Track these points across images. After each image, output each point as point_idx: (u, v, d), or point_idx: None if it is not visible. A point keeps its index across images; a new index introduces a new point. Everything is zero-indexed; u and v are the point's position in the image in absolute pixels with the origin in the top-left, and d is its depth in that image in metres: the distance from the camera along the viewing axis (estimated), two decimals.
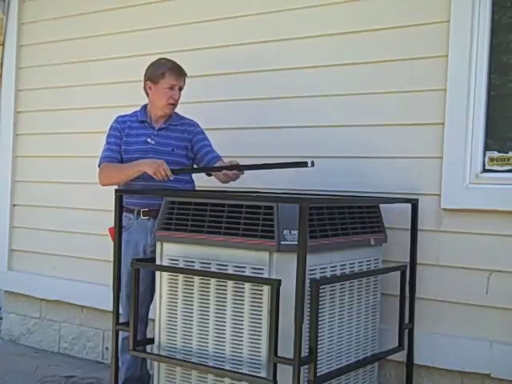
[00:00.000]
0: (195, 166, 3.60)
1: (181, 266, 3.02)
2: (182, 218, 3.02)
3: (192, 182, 3.63)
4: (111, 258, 3.20)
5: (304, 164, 2.95)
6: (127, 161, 3.50)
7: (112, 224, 3.31)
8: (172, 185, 3.42)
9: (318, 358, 2.76)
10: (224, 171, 3.33)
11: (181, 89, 3.54)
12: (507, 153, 3.25)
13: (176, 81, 3.50)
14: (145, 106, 3.64)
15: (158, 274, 3.11)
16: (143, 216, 3.46)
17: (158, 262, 3.11)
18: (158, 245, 3.11)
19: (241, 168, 3.33)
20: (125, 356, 3.47)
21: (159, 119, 3.58)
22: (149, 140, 3.53)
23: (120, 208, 3.19)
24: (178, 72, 3.52)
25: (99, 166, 3.55)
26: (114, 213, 3.21)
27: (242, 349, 2.84)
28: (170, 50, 4.21)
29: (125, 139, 3.54)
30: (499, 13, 3.28)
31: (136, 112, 3.64)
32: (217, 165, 3.45)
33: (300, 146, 3.76)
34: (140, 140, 3.53)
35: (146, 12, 4.40)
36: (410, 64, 3.44)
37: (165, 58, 3.57)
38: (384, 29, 3.51)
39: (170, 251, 3.06)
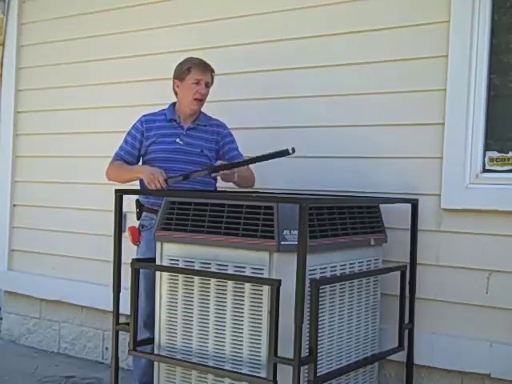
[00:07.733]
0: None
1: (181, 266, 3.01)
2: (182, 218, 3.02)
3: (214, 184, 3.59)
4: (111, 258, 3.20)
5: (286, 152, 3.01)
6: (149, 160, 3.49)
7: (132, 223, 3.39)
8: (191, 186, 3.42)
9: (318, 358, 2.76)
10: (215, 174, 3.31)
11: (207, 85, 3.50)
12: (507, 153, 3.25)
13: (202, 75, 3.46)
14: (173, 105, 3.59)
15: (158, 274, 3.11)
16: None
17: (158, 262, 3.11)
18: (158, 245, 3.11)
19: (227, 167, 3.26)
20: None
21: (187, 118, 3.54)
22: (178, 140, 3.49)
23: (120, 208, 3.18)
24: (204, 67, 3.48)
25: (111, 161, 3.58)
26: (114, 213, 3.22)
27: (241, 349, 2.84)
28: (170, 49, 4.21)
29: (152, 140, 3.49)
30: (499, 13, 3.28)
31: (163, 110, 3.58)
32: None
33: (299, 146, 3.74)
34: (168, 140, 3.48)
35: (146, 12, 4.39)
36: (410, 64, 3.44)
37: (191, 56, 3.56)
38: (384, 29, 3.51)
39: (169, 251, 3.06)
